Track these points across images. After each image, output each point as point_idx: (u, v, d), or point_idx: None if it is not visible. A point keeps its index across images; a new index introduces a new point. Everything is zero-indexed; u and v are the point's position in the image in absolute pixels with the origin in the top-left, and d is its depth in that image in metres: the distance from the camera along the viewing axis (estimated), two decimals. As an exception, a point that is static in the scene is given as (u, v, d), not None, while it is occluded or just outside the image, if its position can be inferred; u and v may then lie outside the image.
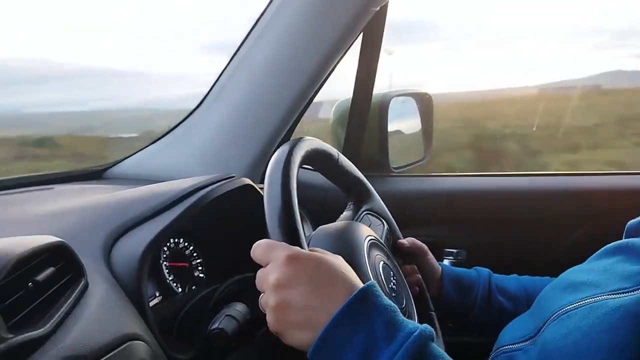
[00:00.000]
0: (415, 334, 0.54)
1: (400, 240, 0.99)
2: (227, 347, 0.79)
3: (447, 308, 0.98)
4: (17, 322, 0.55)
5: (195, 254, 1.06)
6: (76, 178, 1.27)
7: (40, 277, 0.60)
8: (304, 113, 1.33)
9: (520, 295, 0.99)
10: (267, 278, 0.59)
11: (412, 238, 1.00)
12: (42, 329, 0.56)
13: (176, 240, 1.01)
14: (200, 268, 1.06)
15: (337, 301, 0.56)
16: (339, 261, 0.62)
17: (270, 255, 0.61)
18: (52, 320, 0.58)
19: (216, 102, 1.30)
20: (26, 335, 0.54)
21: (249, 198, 1.04)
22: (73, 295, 0.64)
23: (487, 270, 1.02)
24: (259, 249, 0.62)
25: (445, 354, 0.56)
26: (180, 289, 1.00)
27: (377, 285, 0.59)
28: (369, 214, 0.97)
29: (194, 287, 1.02)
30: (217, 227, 1.05)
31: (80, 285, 0.66)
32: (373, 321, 0.55)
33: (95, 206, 0.89)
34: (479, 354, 0.86)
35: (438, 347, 0.56)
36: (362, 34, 1.27)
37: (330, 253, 0.64)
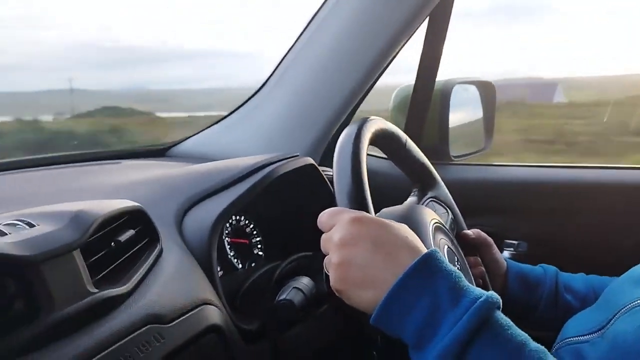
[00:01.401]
0: (482, 299, 0.53)
1: (465, 231, 0.98)
2: (293, 319, 0.80)
3: (510, 304, 0.96)
4: (101, 278, 0.58)
5: (255, 232, 1.07)
6: (141, 155, 1.31)
7: (122, 237, 0.63)
8: (364, 98, 1.32)
9: (589, 294, 0.95)
10: (331, 238, 0.60)
11: (478, 229, 0.98)
12: (123, 287, 0.59)
13: (238, 217, 1.03)
14: (259, 246, 1.08)
15: (400, 263, 0.56)
16: (403, 227, 0.62)
17: (335, 218, 0.61)
18: (132, 279, 0.61)
19: (278, 85, 1.31)
20: (110, 291, 0.57)
21: (310, 177, 1.05)
22: (150, 258, 0.66)
23: (554, 267, 0.99)
24: (325, 215, 0.63)
25: (513, 324, 0.55)
26: (240, 265, 1.02)
27: (440, 252, 0.59)
28: (434, 201, 0.96)
29: (252, 264, 1.04)
30: (277, 206, 1.07)
31: (156, 250, 0.68)
32: (438, 285, 0.54)
33: (167, 178, 0.91)
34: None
35: (504, 316, 0.55)
36: (427, 19, 1.25)
37: (394, 221, 0.64)
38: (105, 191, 0.87)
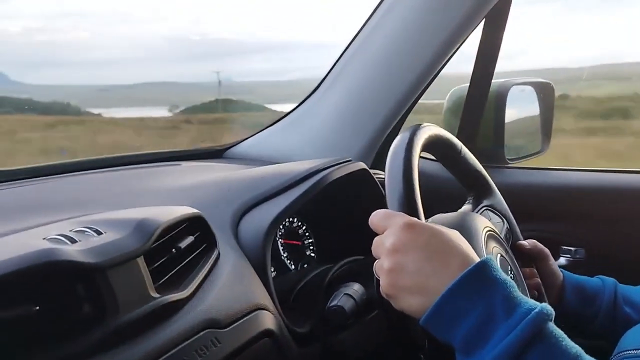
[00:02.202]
0: (536, 310, 0.53)
1: (520, 242, 0.96)
2: (343, 325, 0.81)
3: (566, 317, 0.94)
4: (162, 284, 0.61)
5: (307, 234, 1.09)
6: (199, 156, 1.35)
7: (182, 244, 0.65)
8: (417, 102, 1.32)
9: None
10: (383, 243, 0.61)
11: (534, 240, 0.96)
12: (183, 292, 0.61)
13: (291, 219, 1.05)
14: (311, 247, 1.10)
15: (451, 270, 0.56)
16: (455, 234, 0.62)
17: (387, 222, 0.62)
18: (191, 285, 0.63)
19: (331, 89, 1.32)
20: (171, 296, 0.59)
21: (363, 181, 1.05)
22: (207, 264, 0.69)
23: (612, 279, 0.96)
24: (377, 216, 0.64)
25: (566, 336, 0.54)
26: (293, 266, 1.04)
27: (494, 260, 0.58)
28: (489, 209, 0.95)
29: (305, 265, 1.06)
30: (330, 209, 1.08)
31: (214, 255, 0.71)
32: (492, 294, 0.54)
33: (223, 182, 0.94)
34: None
35: (557, 328, 0.54)
36: (484, 19, 1.23)
37: (446, 227, 0.64)
38: (165, 195, 0.91)
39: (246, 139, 1.41)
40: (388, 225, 0.61)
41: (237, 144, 1.40)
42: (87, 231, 0.58)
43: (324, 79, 1.33)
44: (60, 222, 0.62)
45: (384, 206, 0.91)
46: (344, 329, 0.84)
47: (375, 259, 0.66)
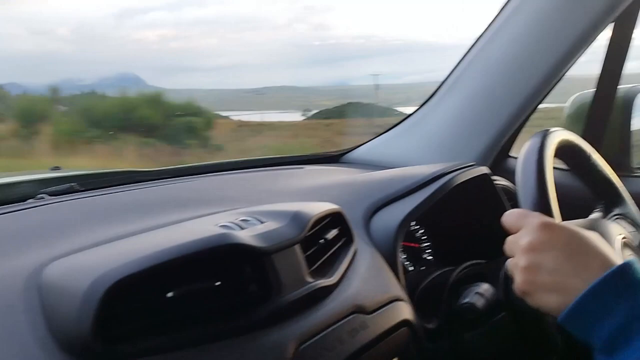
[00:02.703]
0: None
1: None
2: (474, 322, 0.83)
3: None
4: (313, 270, 0.67)
5: (424, 237, 1.12)
6: (317, 160, 1.42)
7: (329, 235, 0.71)
8: (536, 108, 1.30)
9: None
10: (518, 241, 0.62)
11: None
12: (331, 279, 0.67)
13: (409, 221, 1.09)
14: (428, 250, 1.12)
15: (591, 271, 0.56)
16: (594, 236, 0.62)
17: (523, 221, 0.63)
18: (336, 273, 0.69)
19: (449, 94, 1.34)
20: (322, 281, 0.65)
21: (484, 187, 1.06)
22: (348, 255, 0.74)
23: None
24: (511, 216, 0.65)
25: None
26: (411, 268, 1.07)
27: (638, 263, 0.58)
28: (621, 218, 0.93)
29: (422, 268, 1.08)
30: (448, 213, 1.10)
31: (353, 248, 0.76)
32: (637, 296, 0.54)
33: (353, 183, 1.00)
34: None
35: None
36: (613, 23, 1.20)
37: (583, 229, 0.64)
38: (299, 194, 0.98)
39: (363, 144, 1.46)
40: (523, 225, 0.63)
41: (353, 149, 1.46)
42: (250, 220, 0.65)
43: (442, 82, 1.35)
44: (225, 212, 0.70)
45: (505, 212, 0.92)
46: (471, 328, 0.86)
47: (504, 260, 0.67)
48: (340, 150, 1.47)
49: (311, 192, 0.98)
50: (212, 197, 0.91)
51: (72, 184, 0.97)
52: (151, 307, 0.52)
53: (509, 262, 0.65)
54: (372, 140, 1.46)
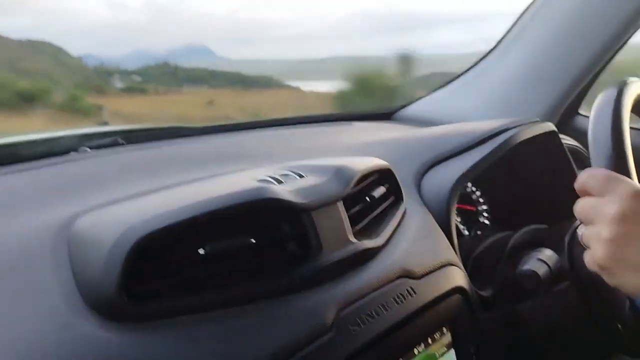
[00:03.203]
0: None
1: None
2: (534, 290, 0.77)
3: None
4: (357, 230, 0.62)
5: (481, 200, 1.05)
6: (368, 117, 1.35)
7: (375, 193, 0.66)
8: (610, 60, 1.18)
9: None
10: (603, 208, 0.53)
11: None
12: (377, 240, 0.62)
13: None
14: (485, 215, 1.05)
15: None
16: None
17: (610, 185, 0.54)
18: (383, 234, 0.63)
19: (511, 47, 1.24)
20: (367, 242, 0.60)
21: (549, 145, 0.98)
22: (397, 215, 0.68)
23: None
24: (594, 178, 0.56)
25: None
26: (466, 232, 1.01)
27: None
28: None
29: (478, 232, 1.02)
30: (508, 174, 1.02)
31: (402, 208, 0.70)
32: None
33: (403, 140, 0.93)
34: None
35: None
36: None
37: None
38: (345, 150, 0.92)
39: (416, 100, 1.38)
40: (611, 190, 0.54)
41: (405, 106, 1.38)
42: (290, 174, 0.60)
43: (504, 35, 1.25)
44: (266, 167, 0.66)
45: (572, 174, 0.83)
46: (530, 297, 0.80)
47: (569, 226, 0.59)
48: (392, 108, 1.40)
49: (358, 149, 0.92)
50: (256, 152, 0.88)
51: (116, 137, 0.95)
52: (182, 264, 0.49)
53: (585, 231, 0.57)
54: (427, 97, 1.38)
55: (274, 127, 1.16)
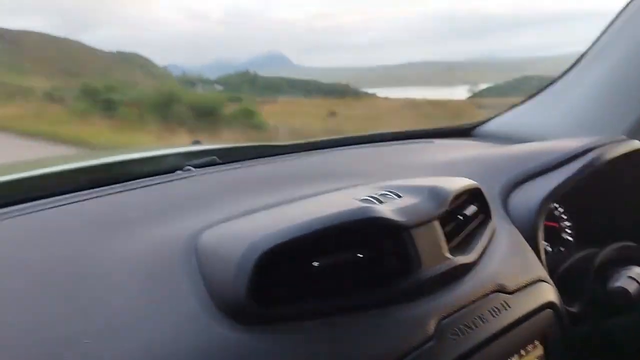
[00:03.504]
0: None
1: None
2: (625, 307, 0.78)
3: None
4: (452, 247, 0.65)
5: (564, 216, 1.05)
6: (447, 134, 1.38)
7: (468, 211, 0.69)
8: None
9: None
10: None
11: None
12: (470, 256, 0.65)
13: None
14: (568, 231, 1.05)
15: None
16: None
17: None
18: (475, 250, 0.67)
19: (596, 61, 1.24)
20: (461, 258, 0.64)
21: (636, 163, 0.98)
22: (487, 233, 0.72)
23: None
24: None
25: None
26: (549, 248, 1.02)
27: None
28: None
29: (561, 249, 1.02)
30: (593, 190, 1.02)
31: (491, 225, 0.74)
32: None
33: (487, 157, 0.96)
34: None
35: None
36: None
37: None
38: (430, 168, 0.96)
39: (494, 117, 1.40)
40: None
41: (485, 122, 1.40)
42: (389, 194, 0.65)
43: (588, 49, 1.25)
44: (362, 186, 0.71)
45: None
46: (619, 314, 0.80)
47: None
48: (471, 123, 1.42)
49: (444, 167, 0.96)
50: (344, 171, 0.93)
51: (213, 157, 1.03)
52: (298, 275, 0.55)
53: None
54: (507, 113, 1.39)
55: (357, 145, 1.21)
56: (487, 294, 0.63)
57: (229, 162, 1.02)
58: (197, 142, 1.46)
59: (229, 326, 0.51)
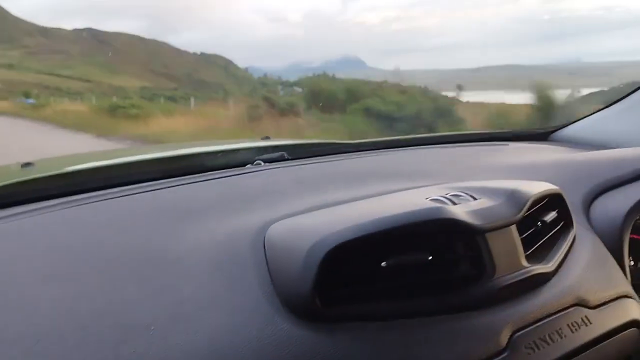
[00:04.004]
0: None
1: None
2: None
3: None
4: (529, 254, 0.62)
5: None
6: (523, 137, 1.32)
7: (547, 218, 0.65)
8: None
9: None
10: None
11: None
12: (548, 265, 0.61)
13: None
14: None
15: None
16: None
17: None
18: (554, 259, 0.63)
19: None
20: (538, 267, 0.60)
21: None
22: (567, 241, 0.67)
23: None
24: None
25: None
26: (632, 262, 0.95)
27: None
28: None
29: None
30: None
31: (572, 233, 0.69)
32: None
33: (570, 163, 0.91)
34: None
35: None
36: None
37: None
38: (508, 171, 0.92)
39: (574, 121, 1.32)
40: None
41: (563, 126, 1.33)
42: (463, 196, 0.62)
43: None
44: (434, 186, 0.69)
45: None
46: None
47: None
48: (549, 128, 1.35)
49: (520, 171, 0.91)
50: (415, 170, 0.90)
51: (282, 152, 1.03)
52: (365, 275, 0.53)
53: None
54: (588, 117, 1.31)
55: (427, 146, 1.18)
56: (566, 307, 0.59)
57: (297, 158, 1.02)
58: (266, 138, 1.47)
59: (292, 321, 0.50)
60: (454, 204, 0.60)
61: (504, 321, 0.55)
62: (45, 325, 0.48)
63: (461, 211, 0.57)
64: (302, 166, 0.97)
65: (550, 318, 0.57)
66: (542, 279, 0.60)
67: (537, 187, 0.65)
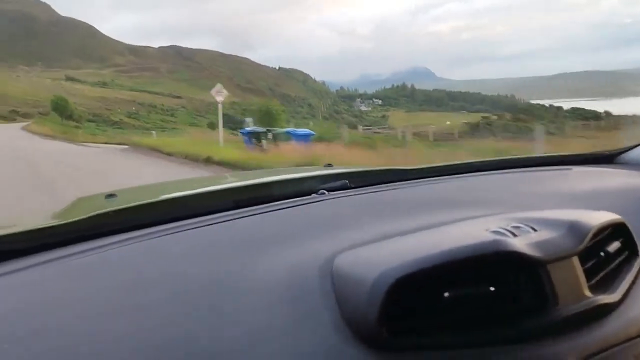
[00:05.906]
0: None
1: None
2: None
3: None
4: (592, 285, 0.63)
5: None
6: (587, 160, 1.30)
7: (610, 248, 0.66)
8: None
9: None
10: None
11: None
12: (613, 295, 0.62)
13: None
14: None
15: None
16: None
17: None
18: (619, 289, 0.63)
19: None
20: (603, 297, 0.61)
21: None
22: (632, 271, 0.67)
23: None
24: None
25: None
26: None
27: None
28: None
29: None
30: None
31: (637, 264, 0.69)
32: None
33: (636, 188, 0.90)
34: None
35: None
36: None
37: None
38: (572, 198, 0.92)
39: (641, 143, 1.29)
40: None
41: (631, 148, 1.30)
42: (523, 227, 0.64)
43: None
44: (495, 216, 0.70)
45: None
46: None
47: None
48: (614, 150, 1.33)
49: (584, 198, 0.91)
50: (477, 198, 0.92)
51: (345, 180, 1.07)
52: (429, 305, 0.56)
53: None
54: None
55: (489, 172, 1.19)
56: (632, 338, 0.59)
57: (360, 187, 1.06)
58: (328, 165, 1.53)
59: (361, 350, 0.53)
60: (515, 235, 0.62)
61: (568, 351, 0.56)
62: (124, 357, 0.53)
63: (522, 243, 0.59)
64: (365, 195, 1.00)
65: (616, 349, 0.57)
66: (607, 309, 0.61)
67: (598, 218, 0.66)
